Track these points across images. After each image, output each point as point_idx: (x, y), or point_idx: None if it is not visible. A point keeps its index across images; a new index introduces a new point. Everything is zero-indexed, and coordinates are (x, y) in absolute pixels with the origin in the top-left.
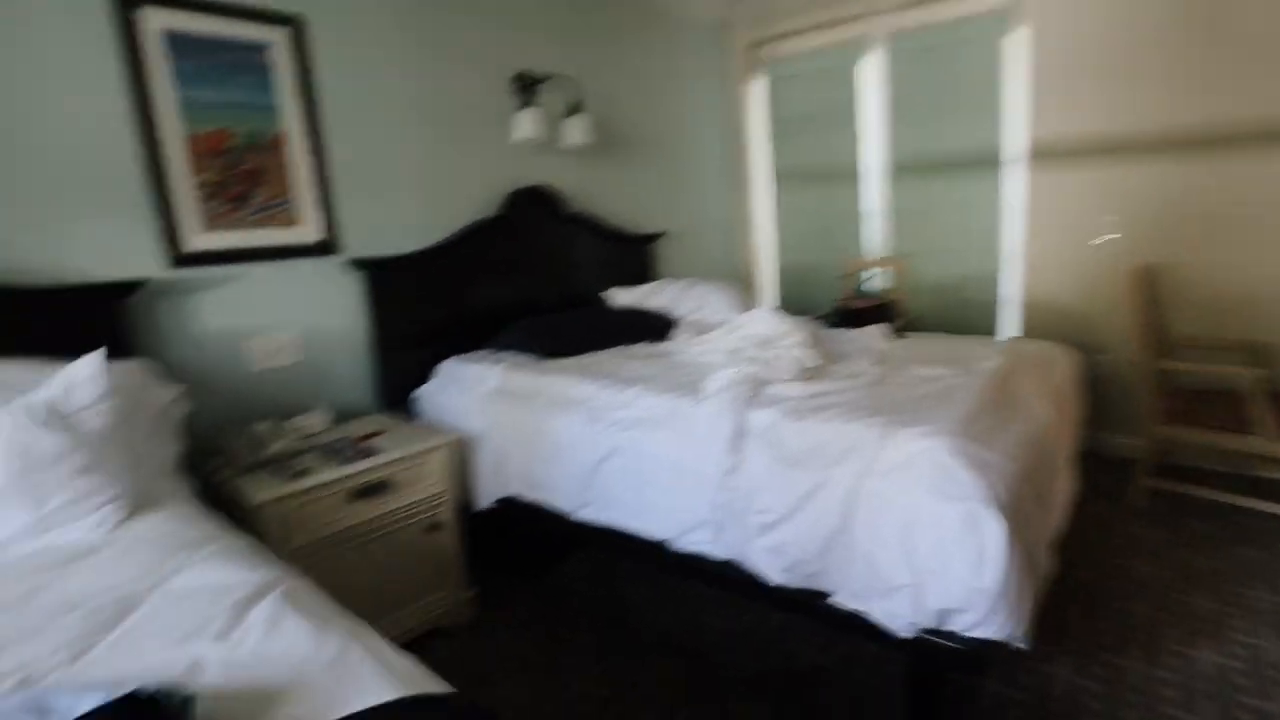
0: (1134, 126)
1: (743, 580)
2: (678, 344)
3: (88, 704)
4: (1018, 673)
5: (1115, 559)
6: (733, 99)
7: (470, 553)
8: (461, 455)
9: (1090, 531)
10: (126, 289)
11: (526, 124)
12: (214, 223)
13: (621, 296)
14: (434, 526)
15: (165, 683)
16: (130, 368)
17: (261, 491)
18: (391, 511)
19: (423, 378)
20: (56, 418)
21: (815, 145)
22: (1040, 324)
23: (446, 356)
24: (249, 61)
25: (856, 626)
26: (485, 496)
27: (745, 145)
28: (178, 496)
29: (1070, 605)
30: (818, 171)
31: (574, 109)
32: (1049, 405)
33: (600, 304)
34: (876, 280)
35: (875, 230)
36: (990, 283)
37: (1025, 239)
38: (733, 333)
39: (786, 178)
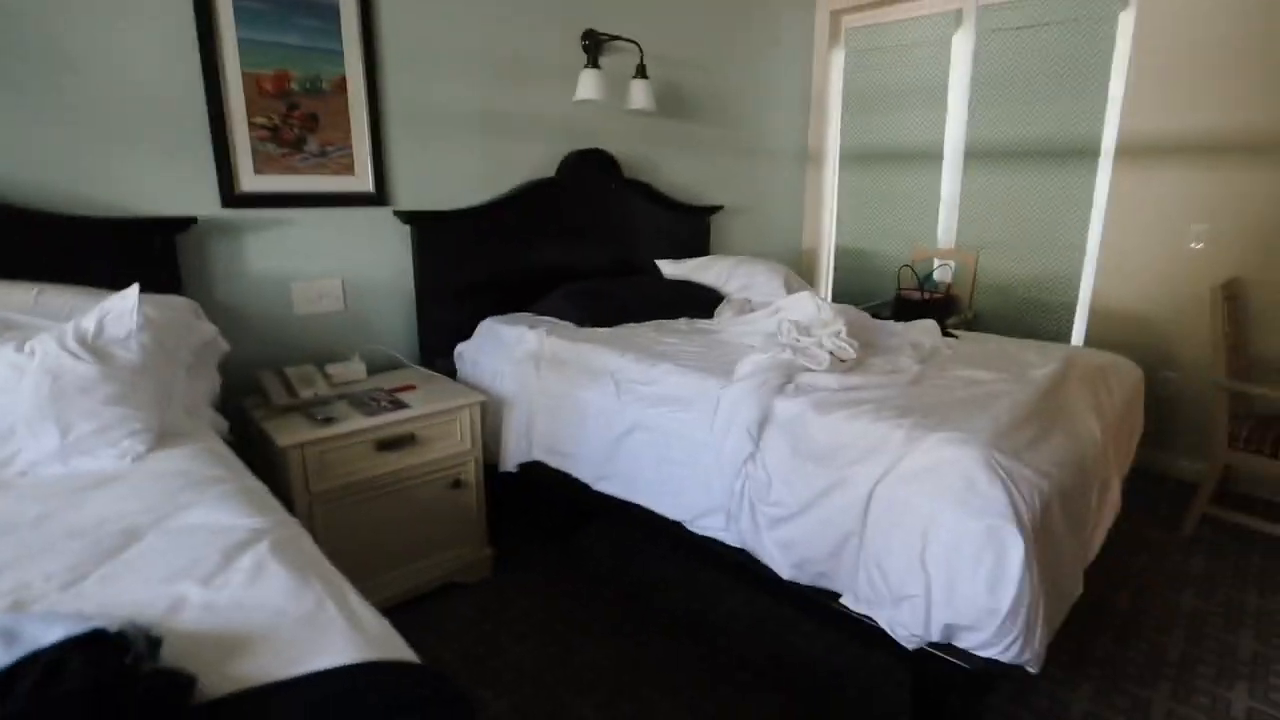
0: (1233, 126)
1: (755, 571)
2: (719, 322)
3: (55, 634)
4: (1033, 695)
5: (1160, 589)
6: (809, 71)
7: (492, 512)
8: (490, 416)
9: (1137, 558)
10: (180, 225)
11: (589, 85)
12: (268, 165)
13: (670, 268)
14: (457, 483)
15: (132, 623)
16: (174, 302)
17: (289, 434)
18: (416, 465)
19: (464, 334)
20: (89, 347)
21: (889, 125)
22: (1107, 333)
23: (489, 315)
24: (314, 2)
25: (863, 632)
26: (511, 459)
27: (819, 121)
28: (204, 433)
29: (1102, 633)
30: (889, 152)
31: (640, 72)
32: (1098, 421)
33: (648, 274)
34: (942, 273)
35: (946, 219)
36: (1067, 285)
37: (1101, 240)
38: (774, 315)
39: (855, 158)
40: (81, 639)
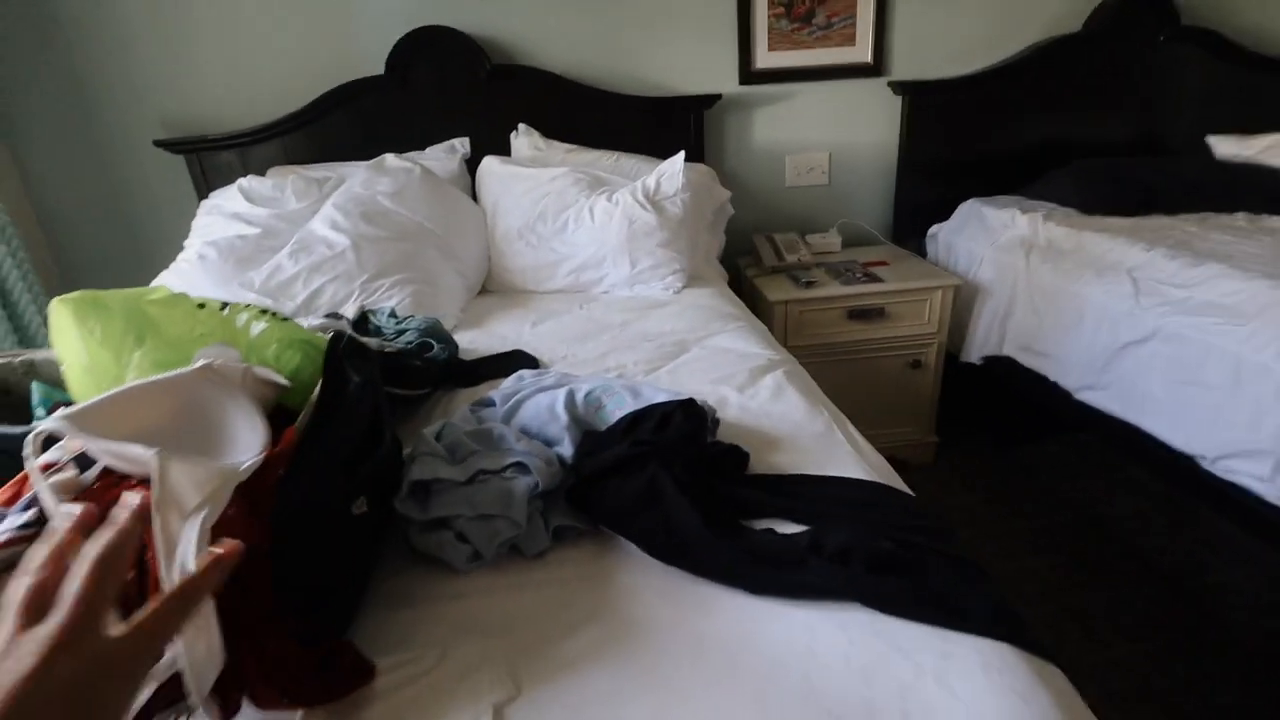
0: None
1: None
2: None
3: (661, 397)
4: None
5: None
6: None
7: (944, 400)
8: (960, 302)
9: None
10: (707, 102)
11: None
12: (779, 42)
13: (1228, 146)
14: (916, 364)
15: (705, 402)
16: (699, 169)
17: (777, 292)
18: (880, 340)
19: (940, 215)
20: (651, 201)
21: None
22: None
23: (971, 195)
24: None
25: None
26: (976, 350)
27: None
28: (717, 279)
29: None
30: None
31: None
32: None
33: (1190, 155)
34: None
35: None
36: None
37: None
38: None
39: None
40: (680, 402)
